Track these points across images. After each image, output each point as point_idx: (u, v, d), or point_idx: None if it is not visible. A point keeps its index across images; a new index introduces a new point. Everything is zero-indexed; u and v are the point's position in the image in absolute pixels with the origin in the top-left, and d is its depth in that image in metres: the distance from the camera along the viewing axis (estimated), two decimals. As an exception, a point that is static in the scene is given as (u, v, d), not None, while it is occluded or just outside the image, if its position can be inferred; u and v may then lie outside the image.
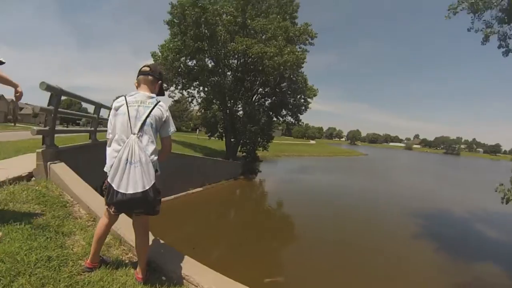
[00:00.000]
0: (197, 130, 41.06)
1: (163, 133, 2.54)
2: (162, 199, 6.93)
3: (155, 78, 2.62)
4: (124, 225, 3.09)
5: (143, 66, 2.65)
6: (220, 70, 27.05)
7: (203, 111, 33.21)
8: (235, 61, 27.99)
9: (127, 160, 2.32)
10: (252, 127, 27.18)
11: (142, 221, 2.59)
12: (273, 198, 20.34)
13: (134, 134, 2.37)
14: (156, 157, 2.44)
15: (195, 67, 26.17)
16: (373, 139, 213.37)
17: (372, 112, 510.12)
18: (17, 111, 47.69)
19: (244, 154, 30.38)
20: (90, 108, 8.84)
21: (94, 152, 7.24)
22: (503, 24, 11.11)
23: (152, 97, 2.52)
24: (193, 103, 31.86)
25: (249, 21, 24.80)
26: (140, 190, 2.30)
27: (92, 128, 8.09)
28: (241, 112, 29.59)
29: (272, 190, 23.28)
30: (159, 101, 2.53)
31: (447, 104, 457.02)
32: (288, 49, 22.93)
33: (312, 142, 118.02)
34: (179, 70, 26.29)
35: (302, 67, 26.46)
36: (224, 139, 30.14)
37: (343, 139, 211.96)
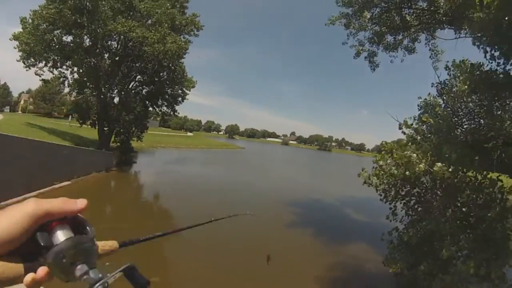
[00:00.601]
0: (70, 116, 40.48)
1: None
2: (23, 197, 9.14)
3: None
4: None
5: None
6: (97, 50, 25.84)
7: (74, 94, 32.43)
8: (115, 43, 27.58)
9: None
10: (127, 116, 27.41)
11: None
12: (147, 190, 21.31)
13: None
14: None
15: (71, 44, 24.70)
16: (252, 134, 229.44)
17: (251, 109, 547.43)
18: None
19: (118, 144, 30.04)
20: None
21: None
22: (373, 43, 14.43)
23: None
24: (64, 85, 30.60)
25: (136, 1, 24.59)
26: None
27: None
28: (116, 99, 29.59)
29: (146, 182, 24.41)
30: None
31: (321, 107, 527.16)
32: (172, 38, 23.69)
33: (189, 134, 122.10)
34: (51, 44, 24.01)
35: (184, 57, 27.66)
36: (97, 127, 29.26)
37: (222, 132, 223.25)
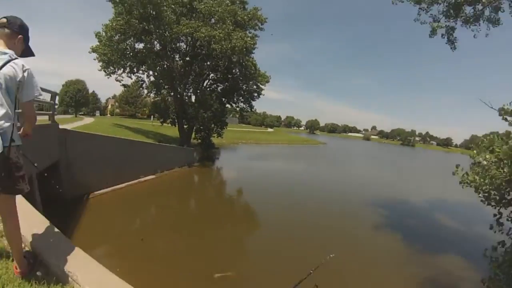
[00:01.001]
0: (152, 116, 44.08)
1: (21, 98, 2.36)
2: (112, 188, 9.83)
3: (14, 32, 2.47)
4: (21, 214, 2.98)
5: (1, 17, 2.49)
6: (168, 53, 27.94)
7: (151, 96, 35.09)
8: (183, 44, 29.33)
9: None
10: (205, 113, 28.79)
11: (3, 203, 2.44)
12: (229, 186, 21.57)
13: None
14: (7, 124, 2.26)
15: (143, 50, 26.90)
16: (332, 129, 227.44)
17: (331, 103, 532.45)
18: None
19: (199, 141, 32.40)
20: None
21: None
22: (450, 18, 12.27)
23: (4, 53, 2.34)
24: (143, 88, 33.19)
25: (196, 3, 25.80)
26: None
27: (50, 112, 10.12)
28: (193, 98, 31.58)
29: (227, 177, 24.97)
30: (14, 58, 2.35)
31: (401, 99, 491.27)
32: (238, 34, 24.19)
33: (270, 130, 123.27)
34: (126, 52, 26.84)
35: (253, 52, 28.31)
36: (177, 125, 31.74)
37: (302, 128, 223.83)
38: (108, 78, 28.54)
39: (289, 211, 15.29)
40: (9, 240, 2.57)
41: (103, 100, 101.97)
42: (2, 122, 2.24)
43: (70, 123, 21.88)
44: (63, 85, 63.23)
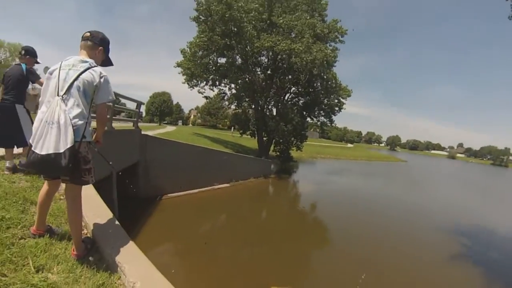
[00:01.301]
0: (232, 128, 46.03)
1: (96, 100, 2.72)
2: (186, 192, 11.15)
3: (95, 44, 2.90)
4: (85, 201, 3.21)
5: (85, 32, 2.92)
6: (249, 67, 29.14)
7: (232, 107, 36.52)
8: (264, 58, 30.38)
9: (46, 121, 2.51)
10: (285, 126, 29.10)
11: (69, 191, 2.80)
12: (304, 199, 21.22)
13: (59, 96, 2.58)
14: (81, 122, 2.59)
15: (225, 64, 28.58)
16: (414, 146, 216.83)
17: (413, 118, 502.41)
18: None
19: (277, 153, 33.00)
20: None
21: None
22: None
23: (85, 61, 2.74)
24: (224, 100, 34.80)
25: (275, 18, 26.55)
26: (51, 151, 2.45)
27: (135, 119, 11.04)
28: (274, 111, 32.37)
29: (302, 191, 24.73)
30: (93, 66, 2.74)
31: (492, 113, 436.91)
32: (318, 46, 24.26)
33: (350, 145, 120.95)
34: (208, 66, 28.87)
35: (334, 66, 28.21)
36: (256, 137, 32.84)
37: (382, 144, 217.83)
38: (191, 90, 31.19)
39: (360, 230, 14.59)
40: (70, 224, 2.87)
41: (186, 111, 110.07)
42: (77, 120, 2.60)
43: (153, 130, 23.66)
44: (150, 97, 69.74)
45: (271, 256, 10.36)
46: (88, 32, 2.93)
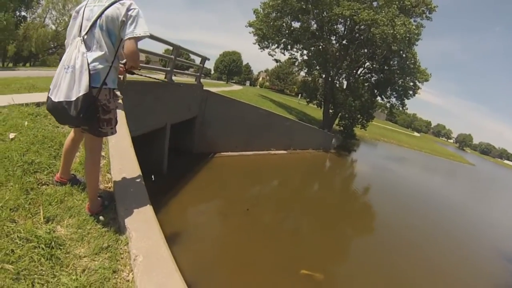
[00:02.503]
0: (299, 95, 45.62)
1: (123, 34, 2.39)
2: (240, 153, 11.39)
3: None
4: (117, 153, 3.52)
5: None
6: (324, 34, 28.15)
7: (303, 74, 35.91)
8: (341, 26, 29.02)
9: (63, 65, 2.33)
10: (353, 102, 28.39)
11: (87, 141, 2.67)
12: (357, 182, 20.72)
13: (80, 36, 2.36)
14: (101, 66, 2.37)
15: (299, 29, 27.90)
16: (486, 150, 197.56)
17: (491, 119, 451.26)
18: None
19: (341, 128, 32.59)
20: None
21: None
22: None
23: None
24: (294, 66, 34.30)
25: None
26: (62, 99, 2.28)
27: (169, 68, 10.14)
28: (344, 84, 31.45)
29: (358, 171, 24.32)
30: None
31: None
32: (402, 20, 22.54)
33: (416, 134, 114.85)
34: (281, 29, 28.30)
35: (416, 44, 26.13)
36: (322, 108, 32.36)
37: (451, 140, 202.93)
38: (261, 51, 30.87)
39: (408, 227, 13.53)
40: (86, 176, 2.74)
41: (255, 73, 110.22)
42: (97, 63, 2.36)
43: (218, 87, 23.88)
44: (220, 55, 70.54)
45: (310, 235, 10.13)
46: None
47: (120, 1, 2.40)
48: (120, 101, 5.60)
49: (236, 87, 37.16)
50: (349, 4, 24.05)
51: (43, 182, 2.85)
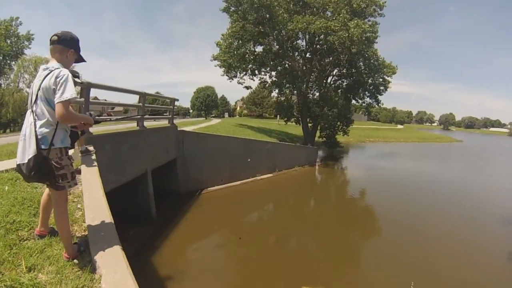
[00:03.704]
0: (278, 116, 46.45)
1: (55, 101, 2.65)
2: (226, 185, 12.39)
3: (65, 47, 2.86)
4: (90, 203, 3.78)
5: (52, 35, 2.84)
6: (287, 52, 28.96)
7: (273, 95, 36.67)
8: (301, 41, 30.06)
9: (21, 134, 2.78)
10: (329, 111, 28.79)
11: (51, 195, 2.98)
12: (350, 187, 20.82)
13: (30, 109, 2.76)
14: (47, 130, 2.69)
15: (262, 52, 28.80)
16: (470, 124, 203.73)
17: (467, 93, 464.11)
18: (106, 109, 59.97)
19: (323, 139, 32.92)
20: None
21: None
22: None
23: (46, 68, 2.76)
24: (265, 89, 34.97)
25: None
26: (19, 162, 2.72)
27: (139, 116, 10.58)
28: (317, 95, 32.00)
29: (349, 177, 24.39)
30: (54, 70, 2.72)
31: None
32: (355, 22, 23.20)
33: (400, 126, 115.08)
34: (246, 56, 29.01)
35: (376, 42, 26.87)
36: (301, 123, 32.68)
37: (435, 124, 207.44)
38: (230, 81, 31.80)
39: (411, 222, 13.16)
40: (56, 225, 3.06)
41: (232, 103, 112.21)
42: (43, 128, 2.70)
43: (196, 125, 24.28)
44: (194, 92, 71.85)
45: (308, 251, 10.21)
46: (55, 35, 2.86)
47: (52, 72, 2.72)
48: (93, 155, 5.91)
49: (214, 121, 37.61)
50: (302, 18, 25.06)
51: (24, 238, 3.21)
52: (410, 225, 12.73)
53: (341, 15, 24.00)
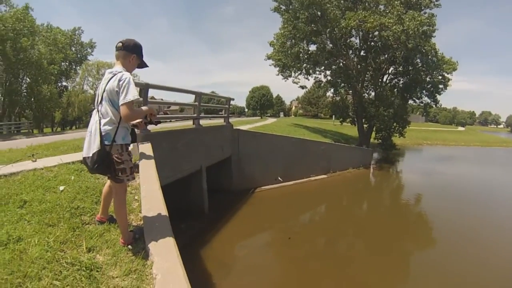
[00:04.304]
0: (333, 116, 45.83)
1: (119, 102, 2.94)
2: (280, 185, 13.05)
3: (128, 52, 3.15)
4: (147, 196, 4.05)
5: (118, 42, 3.17)
6: (341, 51, 28.34)
7: (328, 95, 36.45)
8: (355, 39, 29.58)
9: (87, 131, 3.10)
10: (385, 111, 27.85)
11: (112, 186, 3.30)
12: (405, 193, 19.88)
13: (95, 108, 3.08)
14: (110, 127, 2.98)
15: (315, 51, 28.63)
16: None
17: None
18: (163, 108, 62.73)
19: (379, 141, 32.05)
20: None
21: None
22: None
23: (111, 72, 3.05)
24: (320, 88, 34.87)
25: None
26: (84, 155, 3.03)
27: (195, 115, 10.81)
28: (372, 95, 31.24)
29: (404, 182, 23.35)
30: (117, 73, 3.00)
31: None
32: (410, 15, 22.46)
33: (460, 128, 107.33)
34: (300, 55, 28.80)
35: (433, 36, 25.71)
36: (356, 124, 32.00)
37: (501, 125, 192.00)
38: (285, 81, 31.78)
39: (467, 237, 11.76)
40: (115, 214, 3.42)
41: (287, 102, 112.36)
42: (106, 126, 2.99)
43: (252, 124, 24.69)
44: (249, 91, 72.68)
45: (355, 258, 9.65)
46: (120, 42, 3.16)
47: (115, 76, 2.99)
48: (148, 151, 6.23)
49: (270, 121, 37.89)
50: (354, 15, 24.52)
51: (86, 222, 3.61)
52: (467, 238, 11.52)
53: (394, 7, 23.19)
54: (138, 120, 3.33)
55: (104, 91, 3.02)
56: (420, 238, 11.78)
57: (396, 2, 23.53)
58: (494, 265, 9.17)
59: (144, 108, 3.33)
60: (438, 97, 30.99)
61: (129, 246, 3.18)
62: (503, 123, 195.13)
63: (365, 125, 31.33)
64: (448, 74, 29.58)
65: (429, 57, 27.58)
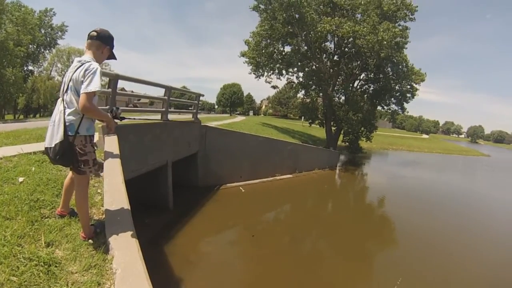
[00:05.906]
0: (302, 117, 46.40)
1: (80, 91, 2.84)
2: (247, 182, 12.74)
3: (102, 43, 3.12)
4: (110, 189, 3.91)
5: (92, 31, 3.08)
6: (315, 54, 28.79)
7: (299, 96, 36.63)
8: (330, 44, 30.10)
9: (50, 120, 3.01)
10: (354, 115, 28.74)
11: (74, 178, 3.23)
12: (369, 194, 20.49)
13: (60, 97, 2.99)
14: (74, 118, 2.91)
15: (290, 53, 28.77)
16: (499, 138, 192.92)
17: (500, 105, 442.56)
18: (132, 101, 61.09)
19: (346, 143, 32.93)
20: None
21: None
22: None
23: (80, 61, 2.98)
24: (292, 89, 35.05)
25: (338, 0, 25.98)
26: (47, 145, 2.96)
27: (164, 109, 10.85)
28: (343, 99, 31.94)
29: (369, 184, 23.97)
30: (85, 63, 2.93)
31: None
32: (385, 26, 23.00)
33: (425, 136, 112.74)
34: (273, 56, 29.14)
35: (405, 47, 26.53)
36: (324, 126, 32.69)
37: (462, 136, 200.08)
38: (257, 80, 31.99)
39: (426, 237, 12.29)
40: (76, 206, 3.32)
41: (258, 101, 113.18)
42: (71, 117, 2.92)
43: (220, 121, 24.50)
44: (220, 88, 72.70)
45: (319, 254, 10.14)
46: (95, 31, 3.09)
47: (83, 65, 2.93)
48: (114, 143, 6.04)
49: (239, 118, 37.88)
50: (330, 20, 25.11)
51: (46, 216, 3.47)
52: (426, 238, 12.12)
53: (370, 17, 23.86)
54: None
55: (70, 80, 2.95)
56: (382, 238, 12.32)
57: (372, 13, 24.17)
58: (448, 266, 9.67)
59: (106, 114, 3.40)
60: (406, 105, 31.96)
61: (90, 241, 3.12)
62: (464, 133, 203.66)
63: (333, 128, 31.97)
64: (416, 84, 30.47)
65: (400, 67, 28.38)
